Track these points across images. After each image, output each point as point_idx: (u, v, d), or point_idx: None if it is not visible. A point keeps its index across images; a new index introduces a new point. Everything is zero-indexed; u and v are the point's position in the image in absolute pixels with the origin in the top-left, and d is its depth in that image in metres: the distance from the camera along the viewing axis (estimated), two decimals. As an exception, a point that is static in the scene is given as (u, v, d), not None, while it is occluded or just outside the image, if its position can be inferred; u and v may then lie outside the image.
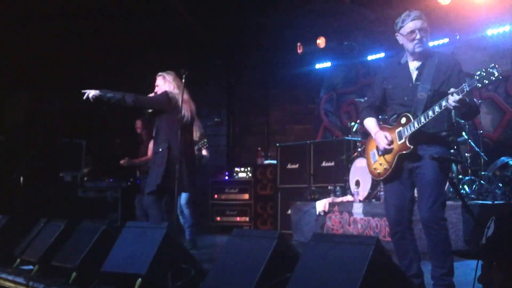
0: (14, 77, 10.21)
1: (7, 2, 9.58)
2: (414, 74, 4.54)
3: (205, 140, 7.92)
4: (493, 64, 3.91)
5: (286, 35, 11.59)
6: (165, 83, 6.81)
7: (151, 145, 8.72)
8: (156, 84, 6.88)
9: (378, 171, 4.69)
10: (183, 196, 8.10)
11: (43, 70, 10.58)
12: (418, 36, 4.43)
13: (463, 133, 8.21)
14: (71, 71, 10.95)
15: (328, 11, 10.65)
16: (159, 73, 6.94)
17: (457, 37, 9.38)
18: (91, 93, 6.40)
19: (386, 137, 4.55)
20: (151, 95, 6.87)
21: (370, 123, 4.79)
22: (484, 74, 3.92)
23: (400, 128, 4.47)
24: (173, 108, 6.64)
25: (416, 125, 4.33)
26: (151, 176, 6.56)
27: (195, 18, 11.45)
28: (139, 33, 11.28)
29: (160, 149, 6.52)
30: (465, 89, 4.01)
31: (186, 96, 6.80)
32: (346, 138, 9.84)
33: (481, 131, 8.59)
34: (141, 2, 10.47)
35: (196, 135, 8.32)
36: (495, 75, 3.88)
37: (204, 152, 8.08)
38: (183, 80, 7.14)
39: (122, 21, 10.78)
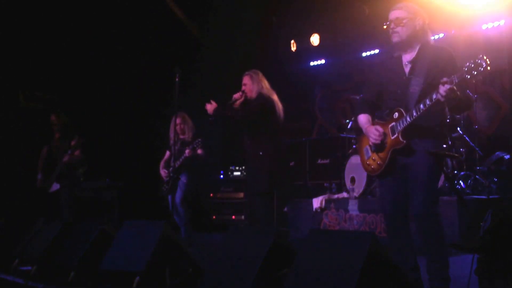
0: (9, 76, 10.19)
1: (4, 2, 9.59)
2: (407, 68, 4.53)
3: (200, 139, 7.93)
4: (481, 55, 3.93)
5: (279, 32, 11.60)
6: (253, 83, 6.79)
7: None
8: (243, 83, 6.85)
9: (372, 166, 4.68)
10: (178, 195, 8.11)
11: (39, 70, 10.56)
12: (392, 26, 4.50)
13: (458, 128, 8.23)
14: (66, 71, 10.95)
15: (322, 8, 10.65)
16: (246, 72, 6.91)
17: (452, 32, 9.41)
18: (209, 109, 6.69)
19: (377, 130, 4.55)
20: (237, 94, 6.86)
21: (362, 119, 4.79)
22: (473, 65, 3.94)
23: (393, 123, 4.46)
24: (270, 110, 6.65)
25: (408, 119, 4.32)
26: (254, 178, 6.65)
27: (188, 17, 11.45)
28: (134, 32, 11.27)
29: (261, 152, 6.55)
30: (454, 80, 4.02)
31: (276, 97, 6.79)
32: (341, 135, 9.86)
33: (476, 126, 8.61)
34: (135, 1, 10.47)
35: (189, 135, 8.32)
36: (483, 66, 3.89)
37: (199, 151, 8.08)
38: (177, 79, 7.16)
39: (118, 20, 10.78)
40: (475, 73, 3.94)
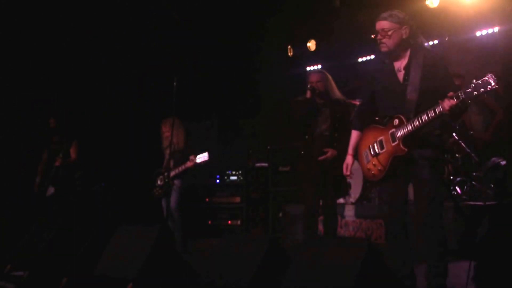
0: (8, 78, 10.16)
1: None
2: (401, 74, 4.57)
3: (206, 155, 7.95)
4: (490, 74, 3.99)
5: (276, 37, 11.59)
6: (327, 81, 6.52)
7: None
8: (315, 80, 6.50)
9: (372, 172, 4.68)
10: (173, 200, 8.06)
11: (37, 73, 10.54)
12: (379, 37, 4.56)
13: (454, 134, 8.22)
14: (62, 76, 10.92)
15: (318, 14, 10.65)
16: (317, 70, 6.72)
17: (446, 39, 9.41)
18: None
19: (347, 164, 4.97)
20: (315, 86, 6.45)
21: (351, 138, 5.03)
22: (480, 82, 4.00)
23: (393, 130, 4.48)
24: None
25: (410, 128, 4.36)
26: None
27: (185, 23, 11.43)
28: (131, 37, 11.25)
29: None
30: (461, 97, 4.07)
31: None
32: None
33: (472, 132, 8.60)
34: (132, 7, 10.44)
35: (179, 141, 8.23)
36: (491, 85, 3.98)
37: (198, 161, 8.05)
38: (175, 84, 7.10)
39: (114, 25, 10.76)
40: (483, 90, 4.01)
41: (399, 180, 4.58)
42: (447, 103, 4.11)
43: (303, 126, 6.62)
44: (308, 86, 6.46)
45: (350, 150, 5.02)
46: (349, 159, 5.01)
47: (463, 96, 4.05)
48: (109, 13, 10.38)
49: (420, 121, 4.30)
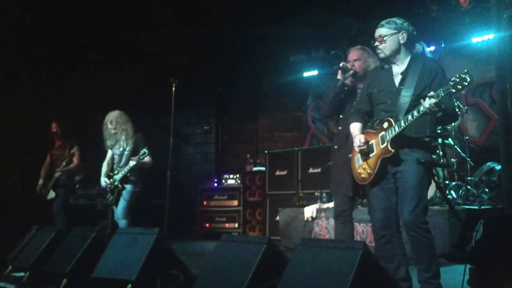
0: (6, 85, 10.20)
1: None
2: (398, 79, 4.64)
3: (145, 151, 7.15)
4: (466, 70, 4.07)
5: (274, 44, 11.66)
6: (368, 59, 5.52)
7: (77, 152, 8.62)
8: (355, 58, 5.54)
9: (362, 175, 4.74)
10: (120, 207, 7.55)
11: (36, 78, 10.58)
12: (376, 44, 4.66)
13: (450, 139, 8.28)
14: (63, 80, 10.97)
15: (315, 22, 10.74)
16: (358, 47, 5.66)
17: (442, 45, 9.47)
18: None
19: (360, 140, 4.70)
20: (349, 65, 5.53)
21: (353, 128, 4.92)
22: (458, 80, 4.07)
23: (383, 132, 4.54)
24: None
25: (397, 129, 4.41)
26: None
27: (184, 28, 11.49)
28: (130, 42, 11.30)
29: None
30: (440, 94, 4.14)
31: None
32: (333, 145, 9.87)
33: (467, 137, 8.66)
34: (132, 12, 10.49)
35: (125, 136, 7.68)
36: (467, 81, 4.04)
37: (146, 159, 7.31)
38: (173, 89, 7.08)
39: (112, 30, 10.80)
40: (460, 87, 4.08)
41: (390, 185, 4.60)
42: (427, 102, 4.17)
43: (335, 108, 5.79)
44: (341, 64, 5.56)
45: (356, 132, 4.81)
46: (360, 135, 4.72)
47: (442, 93, 4.13)
48: (109, 20, 10.44)
49: (406, 121, 4.36)
